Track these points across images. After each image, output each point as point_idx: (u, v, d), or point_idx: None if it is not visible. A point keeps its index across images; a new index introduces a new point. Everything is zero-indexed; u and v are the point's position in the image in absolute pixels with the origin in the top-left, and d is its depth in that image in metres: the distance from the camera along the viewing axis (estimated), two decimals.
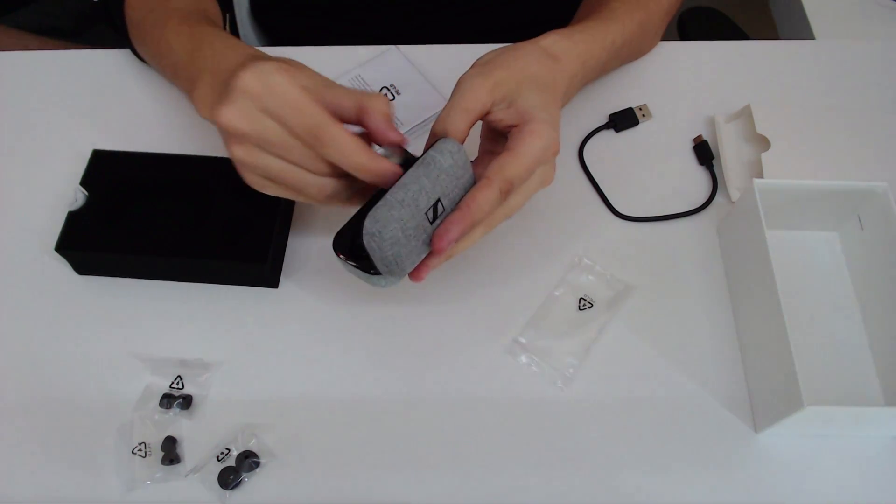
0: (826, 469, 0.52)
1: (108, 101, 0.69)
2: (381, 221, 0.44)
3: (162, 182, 0.60)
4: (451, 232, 0.46)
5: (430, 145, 0.49)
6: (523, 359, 0.56)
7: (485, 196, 0.47)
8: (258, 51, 0.54)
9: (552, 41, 0.56)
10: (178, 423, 0.53)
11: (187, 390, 0.55)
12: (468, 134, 0.50)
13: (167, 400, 0.54)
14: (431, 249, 0.48)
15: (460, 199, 0.47)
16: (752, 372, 0.55)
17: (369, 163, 0.46)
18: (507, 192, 0.48)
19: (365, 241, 0.44)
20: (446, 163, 0.46)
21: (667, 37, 0.73)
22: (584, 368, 0.56)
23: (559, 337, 0.57)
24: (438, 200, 0.46)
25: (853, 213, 0.59)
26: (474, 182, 0.49)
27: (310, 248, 0.61)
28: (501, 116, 0.51)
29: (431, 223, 0.46)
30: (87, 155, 0.61)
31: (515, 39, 0.56)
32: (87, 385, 0.55)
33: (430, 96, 0.68)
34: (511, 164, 0.48)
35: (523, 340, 0.57)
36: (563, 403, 0.54)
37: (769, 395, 0.52)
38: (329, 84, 0.48)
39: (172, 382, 0.55)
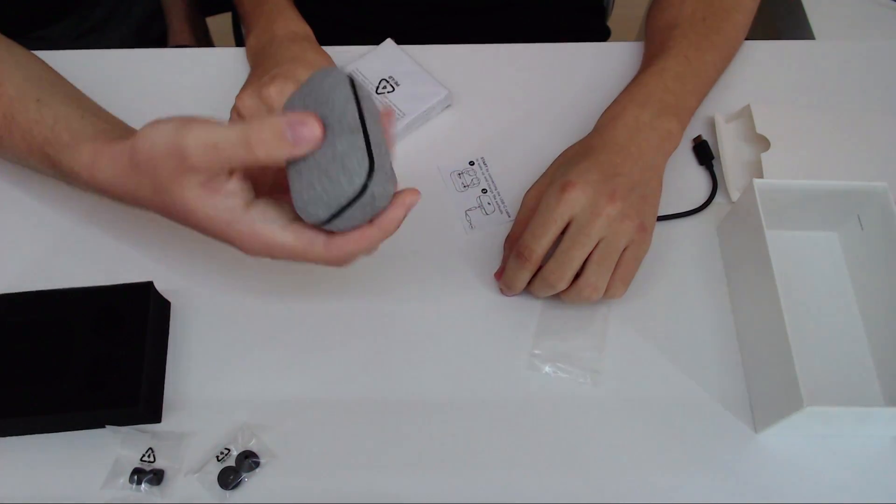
0: (826, 469, 0.52)
1: None
2: None
3: (11, 325, 0.53)
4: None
5: None
6: (547, 368, 0.56)
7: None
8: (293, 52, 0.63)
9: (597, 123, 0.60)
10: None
11: (159, 464, 0.51)
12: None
13: (137, 475, 0.51)
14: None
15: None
16: (752, 372, 0.55)
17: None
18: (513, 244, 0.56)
19: None
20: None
21: None
22: (602, 362, 0.56)
23: (572, 338, 0.57)
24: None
25: (853, 213, 0.59)
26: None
27: None
28: None
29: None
30: None
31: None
32: None
33: (430, 85, 0.67)
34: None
35: (538, 352, 0.56)
36: (562, 404, 0.55)
37: (769, 395, 0.52)
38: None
39: (143, 455, 0.52)
